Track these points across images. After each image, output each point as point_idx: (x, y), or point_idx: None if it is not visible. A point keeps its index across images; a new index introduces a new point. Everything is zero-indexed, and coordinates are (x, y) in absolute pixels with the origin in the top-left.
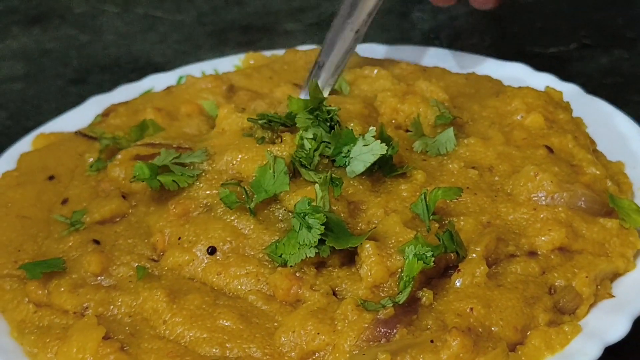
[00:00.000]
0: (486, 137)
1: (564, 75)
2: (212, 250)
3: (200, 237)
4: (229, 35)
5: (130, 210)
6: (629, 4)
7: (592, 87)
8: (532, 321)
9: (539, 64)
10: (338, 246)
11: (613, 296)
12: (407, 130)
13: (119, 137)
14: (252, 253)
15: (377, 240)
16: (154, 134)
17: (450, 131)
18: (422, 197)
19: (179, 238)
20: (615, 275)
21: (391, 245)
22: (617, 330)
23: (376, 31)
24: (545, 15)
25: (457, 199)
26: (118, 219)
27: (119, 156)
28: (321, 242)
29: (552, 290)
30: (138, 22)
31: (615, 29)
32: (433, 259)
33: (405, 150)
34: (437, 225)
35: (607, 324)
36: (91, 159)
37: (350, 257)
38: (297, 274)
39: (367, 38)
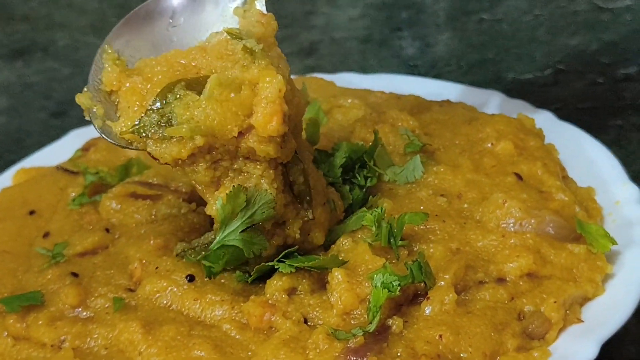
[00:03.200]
0: (456, 165)
1: (540, 100)
2: (191, 278)
3: (179, 267)
4: None
5: (112, 243)
6: (604, 29)
7: (567, 112)
8: (501, 347)
9: (515, 90)
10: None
11: (582, 321)
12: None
13: (102, 172)
14: (227, 282)
15: (347, 268)
16: (141, 172)
17: (417, 159)
18: (389, 225)
19: (157, 267)
20: (584, 300)
21: (361, 273)
22: (585, 354)
23: (355, 58)
24: (520, 41)
25: (426, 226)
26: (99, 251)
27: (115, 190)
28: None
29: (521, 316)
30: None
31: (589, 55)
32: (399, 288)
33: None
34: (406, 252)
35: (576, 349)
36: (73, 194)
37: (321, 284)
38: (270, 302)
39: (345, 67)
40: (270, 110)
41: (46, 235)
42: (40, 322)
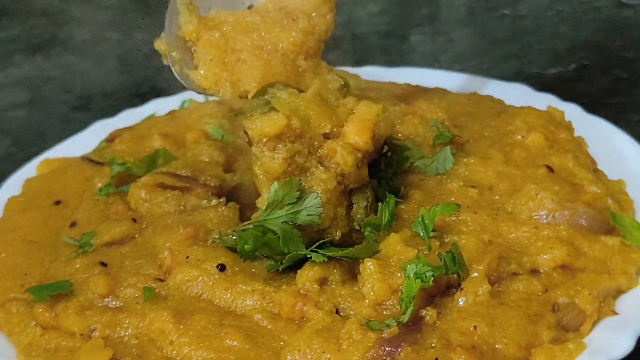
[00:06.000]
0: (486, 157)
1: (564, 95)
2: (222, 267)
3: (210, 256)
4: None
5: (139, 232)
6: (628, 25)
7: (592, 108)
8: (535, 339)
9: (539, 85)
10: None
11: (616, 313)
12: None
13: (129, 162)
14: (258, 272)
15: (378, 258)
16: (167, 163)
17: (448, 150)
18: (421, 216)
19: (187, 257)
20: (618, 292)
21: (392, 263)
22: (621, 347)
23: (376, 54)
24: (543, 37)
25: (457, 217)
26: (127, 241)
27: (144, 179)
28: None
29: (555, 308)
30: (140, 47)
31: (614, 50)
32: (432, 278)
33: (403, 171)
34: (437, 243)
35: (611, 341)
36: (100, 184)
37: (352, 274)
38: (301, 292)
39: (367, 62)
40: (363, 125)
41: (73, 225)
42: (70, 311)
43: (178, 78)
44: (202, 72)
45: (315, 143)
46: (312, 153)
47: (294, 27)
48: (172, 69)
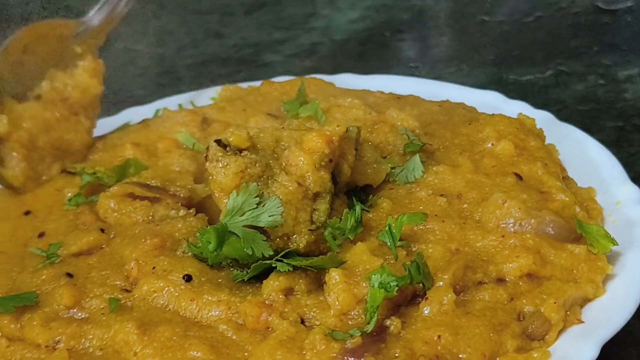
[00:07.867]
0: (456, 165)
1: (540, 102)
2: (188, 278)
3: (177, 267)
4: (209, 67)
5: (107, 243)
6: (605, 31)
7: (568, 114)
8: (500, 348)
9: (515, 91)
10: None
11: (582, 322)
12: None
13: (99, 172)
14: (224, 282)
15: (344, 268)
16: (138, 173)
17: (417, 158)
18: (388, 225)
19: (154, 267)
20: (585, 301)
21: (358, 273)
22: (585, 355)
23: (356, 59)
24: (521, 43)
25: (425, 226)
26: (94, 251)
27: (113, 189)
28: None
29: (521, 317)
30: (118, 56)
31: (590, 56)
32: (397, 288)
33: None
34: (404, 252)
35: (575, 350)
36: (70, 194)
37: (318, 284)
38: (267, 302)
39: (344, 68)
40: (320, 133)
41: (41, 235)
42: (35, 322)
43: None
44: (13, 170)
45: (275, 155)
46: (276, 159)
47: (81, 129)
48: None
